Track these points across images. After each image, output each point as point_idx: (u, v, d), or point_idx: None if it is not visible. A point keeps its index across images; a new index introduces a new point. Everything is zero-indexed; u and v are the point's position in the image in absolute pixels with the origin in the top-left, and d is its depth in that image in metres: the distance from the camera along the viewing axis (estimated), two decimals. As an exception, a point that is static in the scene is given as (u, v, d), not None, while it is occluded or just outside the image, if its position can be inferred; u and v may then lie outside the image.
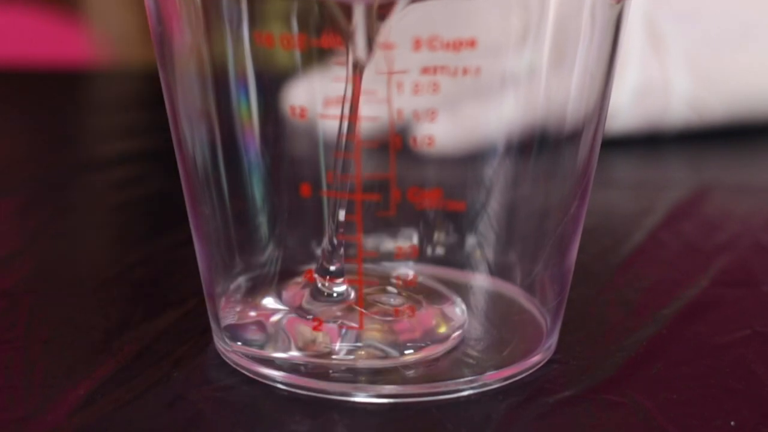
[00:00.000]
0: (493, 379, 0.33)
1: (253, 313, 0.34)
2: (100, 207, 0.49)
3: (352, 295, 0.33)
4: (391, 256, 0.33)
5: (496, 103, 0.33)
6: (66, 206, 0.49)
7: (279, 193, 0.35)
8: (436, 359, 0.32)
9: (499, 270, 0.34)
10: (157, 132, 0.57)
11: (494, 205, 0.35)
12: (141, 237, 0.45)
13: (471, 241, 0.35)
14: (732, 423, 0.31)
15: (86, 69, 0.86)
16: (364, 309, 0.32)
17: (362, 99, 0.31)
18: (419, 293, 0.34)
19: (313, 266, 0.33)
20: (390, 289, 0.33)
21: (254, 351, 0.33)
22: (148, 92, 0.70)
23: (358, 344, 0.32)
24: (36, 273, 0.41)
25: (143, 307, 0.38)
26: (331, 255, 0.33)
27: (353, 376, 0.32)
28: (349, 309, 0.32)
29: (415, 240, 0.34)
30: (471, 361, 0.33)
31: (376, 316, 0.32)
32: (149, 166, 0.54)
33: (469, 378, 0.32)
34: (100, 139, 0.60)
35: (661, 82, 0.55)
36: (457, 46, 0.31)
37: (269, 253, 0.34)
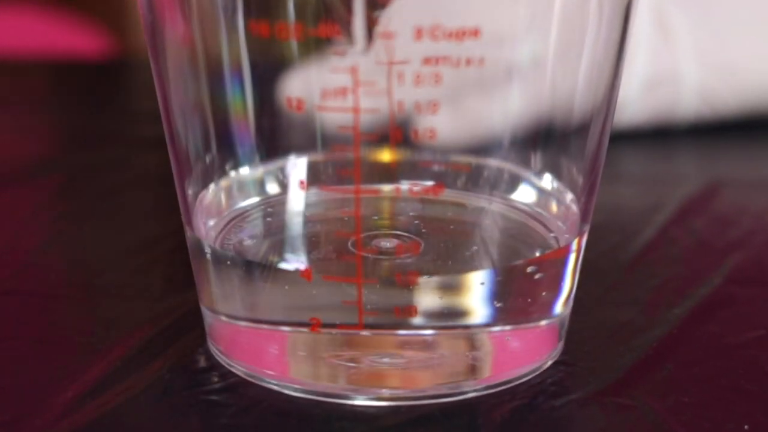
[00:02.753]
0: (498, 380, 0.33)
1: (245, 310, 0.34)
2: (88, 197, 0.49)
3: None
4: (392, 254, 0.33)
5: (500, 95, 0.33)
6: (51, 200, 0.49)
7: (274, 186, 0.35)
8: (440, 361, 0.32)
9: (504, 269, 0.33)
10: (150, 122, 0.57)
11: (498, 201, 0.35)
12: (132, 230, 0.45)
13: (474, 239, 0.35)
14: (746, 427, 0.31)
15: (112, 59, 0.86)
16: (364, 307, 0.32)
17: (361, 90, 0.31)
18: (420, 290, 0.33)
19: (303, 264, 0.33)
20: (390, 286, 0.33)
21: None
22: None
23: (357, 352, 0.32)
24: (23, 270, 0.41)
25: (134, 306, 0.37)
26: None
27: (352, 377, 0.32)
28: (349, 307, 0.32)
29: (417, 236, 0.34)
30: (475, 362, 0.33)
31: (376, 317, 0.32)
32: (141, 157, 0.54)
33: (473, 380, 0.32)
34: (91, 130, 0.59)
35: (672, 73, 0.55)
36: (460, 35, 0.31)
37: (265, 247, 0.34)
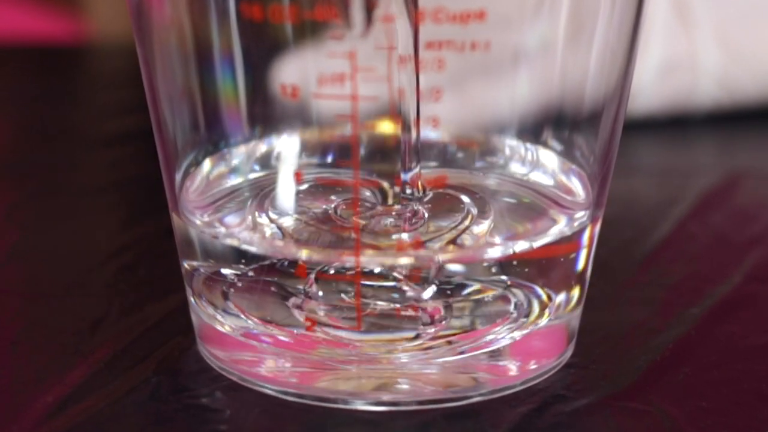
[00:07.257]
0: (505, 384, 0.33)
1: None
2: (70, 194, 0.49)
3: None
4: (393, 250, 0.33)
5: (507, 81, 0.33)
6: (32, 194, 0.49)
7: (267, 176, 0.35)
8: (443, 363, 0.32)
9: (510, 267, 0.34)
10: (139, 112, 0.57)
11: (505, 194, 0.35)
12: (118, 226, 0.45)
13: (479, 234, 0.35)
14: (767, 433, 0.31)
15: (75, 45, 0.86)
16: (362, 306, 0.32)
17: (360, 77, 0.31)
18: (422, 290, 0.34)
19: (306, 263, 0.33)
20: (390, 284, 0.33)
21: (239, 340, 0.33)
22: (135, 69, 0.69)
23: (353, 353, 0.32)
24: (0, 268, 0.41)
25: (119, 305, 0.38)
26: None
27: (350, 381, 0.32)
28: (346, 307, 0.32)
29: (419, 231, 0.34)
30: (479, 364, 0.33)
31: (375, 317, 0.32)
32: (128, 148, 0.54)
33: (478, 383, 0.32)
34: (58, 123, 0.59)
35: (689, 58, 0.55)
36: (464, 18, 0.31)
37: (256, 242, 0.34)
